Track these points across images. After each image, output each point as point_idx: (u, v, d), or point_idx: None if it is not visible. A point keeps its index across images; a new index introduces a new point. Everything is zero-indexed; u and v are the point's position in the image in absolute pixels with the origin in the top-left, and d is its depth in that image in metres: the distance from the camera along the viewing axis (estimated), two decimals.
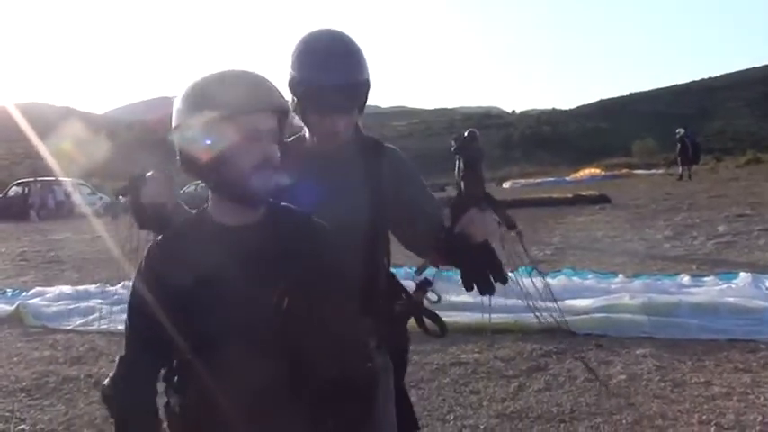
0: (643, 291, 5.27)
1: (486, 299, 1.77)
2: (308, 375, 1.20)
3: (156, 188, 1.49)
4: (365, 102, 1.59)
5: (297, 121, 1.55)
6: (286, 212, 1.29)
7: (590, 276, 6.09)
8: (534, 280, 4.64)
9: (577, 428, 3.04)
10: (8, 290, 7.26)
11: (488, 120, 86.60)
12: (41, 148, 29.56)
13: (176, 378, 1.27)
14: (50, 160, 25.36)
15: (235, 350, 1.18)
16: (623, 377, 3.61)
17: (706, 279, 5.74)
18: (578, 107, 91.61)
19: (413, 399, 1.80)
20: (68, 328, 5.46)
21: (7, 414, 3.59)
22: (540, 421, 3.14)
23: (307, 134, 1.62)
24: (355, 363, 1.28)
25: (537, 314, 4.41)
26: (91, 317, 5.66)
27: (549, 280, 4.94)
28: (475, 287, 1.42)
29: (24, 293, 6.90)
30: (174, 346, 1.22)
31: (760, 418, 3.00)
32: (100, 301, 6.23)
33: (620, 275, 5.99)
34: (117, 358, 1.29)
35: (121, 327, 1.32)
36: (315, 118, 1.54)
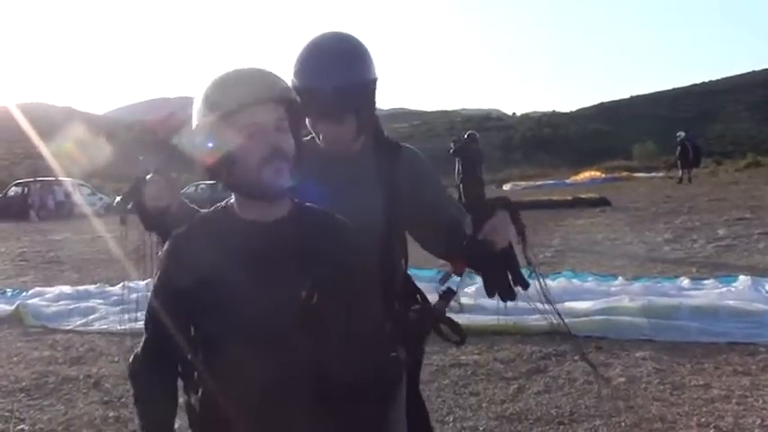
0: (643, 293, 5.27)
1: (491, 301, 1.77)
2: (331, 374, 1.20)
3: (157, 191, 1.48)
4: (368, 103, 1.55)
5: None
6: (310, 211, 1.30)
7: (590, 279, 6.09)
8: (535, 282, 4.62)
9: (576, 430, 3.04)
10: (8, 290, 7.26)
11: (489, 122, 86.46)
12: (42, 147, 29.56)
13: (195, 373, 1.27)
14: (50, 160, 25.37)
15: (255, 344, 1.18)
16: (623, 379, 3.61)
17: (706, 282, 5.74)
18: (579, 110, 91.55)
19: None
20: (68, 328, 5.46)
21: (7, 414, 3.59)
22: (540, 423, 3.14)
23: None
24: (380, 363, 1.28)
25: (546, 317, 4.39)
26: (91, 317, 5.66)
27: (548, 282, 4.92)
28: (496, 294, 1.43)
29: (24, 293, 6.90)
30: (192, 338, 1.24)
31: (759, 421, 3.00)
32: (100, 301, 6.25)
33: (620, 278, 6.00)
34: (143, 338, 1.31)
35: (121, 327, 1.32)
36: (311, 123, 1.52)
